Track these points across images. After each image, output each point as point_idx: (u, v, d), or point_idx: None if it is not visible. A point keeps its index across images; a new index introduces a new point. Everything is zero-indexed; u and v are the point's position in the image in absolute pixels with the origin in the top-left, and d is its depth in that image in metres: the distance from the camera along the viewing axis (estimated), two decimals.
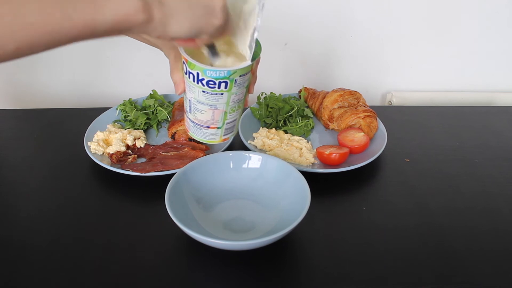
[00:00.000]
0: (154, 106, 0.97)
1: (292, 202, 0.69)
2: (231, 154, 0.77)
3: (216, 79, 0.54)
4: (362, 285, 0.63)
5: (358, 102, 0.96)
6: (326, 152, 0.83)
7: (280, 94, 1.02)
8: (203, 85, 0.55)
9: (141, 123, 0.94)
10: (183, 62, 0.56)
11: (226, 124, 0.61)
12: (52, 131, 0.98)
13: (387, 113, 1.03)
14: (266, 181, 0.75)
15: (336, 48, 1.13)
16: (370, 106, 0.96)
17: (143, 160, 0.86)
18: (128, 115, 0.95)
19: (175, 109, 0.97)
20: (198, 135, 0.62)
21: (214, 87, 0.55)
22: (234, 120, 0.62)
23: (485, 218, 0.75)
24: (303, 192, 0.68)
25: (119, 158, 0.84)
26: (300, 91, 1.05)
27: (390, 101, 1.19)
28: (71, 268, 0.65)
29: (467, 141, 0.95)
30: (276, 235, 0.60)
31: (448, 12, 1.09)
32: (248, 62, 0.54)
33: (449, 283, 0.63)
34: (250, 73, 0.57)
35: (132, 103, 0.98)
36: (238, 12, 0.53)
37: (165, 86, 1.06)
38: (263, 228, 0.69)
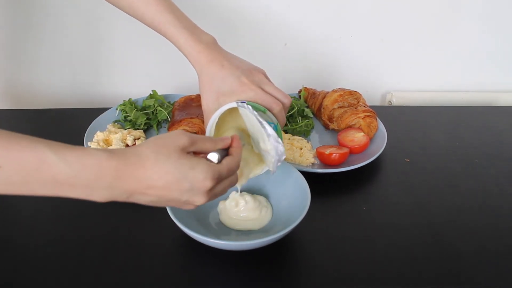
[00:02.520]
0: (154, 106, 0.97)
1: (292, 202, 0.69)
2: None
3: None
4: (362, 285, 0.63)
5: (358, 102, 0.96)
6: (326, 152, 0.83)
7: None
8: None
9: (141, 123, 0.94)
10: None
11: None
12: (52, 131, 0.97)
13: (387, 113, 1.03)
14: (266, 181, 0.75)
15: (336, 48, 1.12)
16: (370, 106, 0.96)
17: None
18: (128, 115, 0.95)
19: (175, 109, 0.96)
20: None
21: None
22: None
23: (486, 218, 0.75)
24: (303, 192, 0.68)
25: None
26: (300, 91, 1.05)
27: (390, 101, 1.19)
28: (71, 268, 0.64)
29: (467, 141, 0.95)
30: (276, 235, 0.60)
31: (448, 12, 1.09)
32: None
33: (450, 282, 0.63)
34: None
35: (132, 103, 0.98)
36: (257, 141, 0.64)
37: (165, 86, 1.06)
38: (263, 228, 0.69)
